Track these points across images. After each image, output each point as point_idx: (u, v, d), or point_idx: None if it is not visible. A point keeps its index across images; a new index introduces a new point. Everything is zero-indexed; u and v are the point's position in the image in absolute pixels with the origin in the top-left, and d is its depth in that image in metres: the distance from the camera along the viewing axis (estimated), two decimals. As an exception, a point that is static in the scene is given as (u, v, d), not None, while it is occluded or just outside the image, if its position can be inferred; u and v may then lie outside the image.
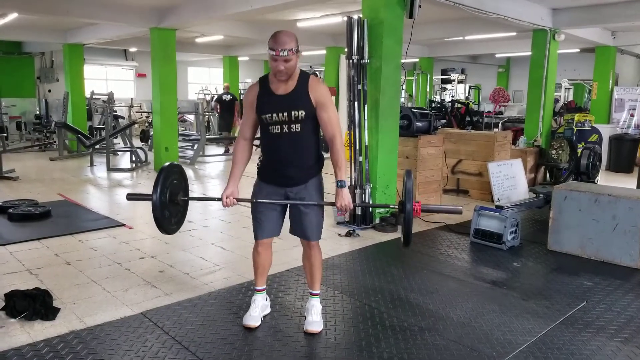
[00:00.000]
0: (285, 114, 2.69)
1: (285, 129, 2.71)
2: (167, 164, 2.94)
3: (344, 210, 2.81)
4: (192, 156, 10.32)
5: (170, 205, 2.90)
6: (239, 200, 2.85)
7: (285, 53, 2.56)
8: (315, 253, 2.95)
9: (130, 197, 3.09)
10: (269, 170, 2.84)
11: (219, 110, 12.37)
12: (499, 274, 4.10)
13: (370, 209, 5.37)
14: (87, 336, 2.83)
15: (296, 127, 2.71)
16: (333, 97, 11.51)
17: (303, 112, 2.69)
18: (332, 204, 2.81)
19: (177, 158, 9.49)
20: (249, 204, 2.93)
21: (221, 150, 12.30)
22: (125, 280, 3.74)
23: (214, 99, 13.28)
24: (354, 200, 5.35)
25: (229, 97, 12.48)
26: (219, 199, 2.84)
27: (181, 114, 14.04)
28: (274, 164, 2.81)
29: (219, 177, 8.95)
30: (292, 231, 2.93)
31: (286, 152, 2.75)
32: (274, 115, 2.70)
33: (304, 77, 2.73)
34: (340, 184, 2.76)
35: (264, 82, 2.77)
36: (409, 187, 2.65)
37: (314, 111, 2.72)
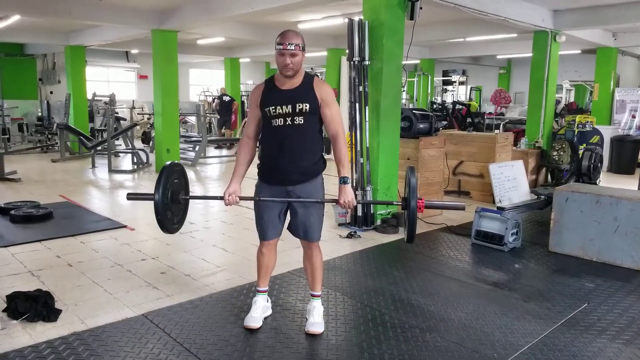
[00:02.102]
0: (290, 106, 2.71)
1: (289, 121, 2.72)
2: (168, 163, 2.95)
3: (347, 207, 2.80)
4: (193, 158, 10.34)
5: (171, 204, 2.90)
6: (241, 198, 2.83)
7: (292, 47, 2.64)
8: (315, 254, 2.95)
9: (131, 197, 3.05)
10: (270, 167, 2.82)
11: (218, 108, 13.28)
12: (500, 275, 4.10)
13: (372, 211, 5.37)
14: (88, 337, 2.84)
15: (299, 120, 2.72)
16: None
17: (307, 106, 2.71)
18: (335, 201, 2.81)
19: (179, 159, 9.50)
20: (251, 205, 2.93)
21: (221, 151, 12.34)
22: (127, 281, 3.75)
23: (215, 98, 14.20)
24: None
25: (227, 98, 13.60)
26: (221, 198, 2.84)
27: (183, 115, 14.06)
28: (276, 160, 2.78)
29: (220, 179, 8.96)
30: (293, 232, 2.93)
31: (288, 146, 2.73)
32: (278, 107, 2.72)
33: (309, 76, 2.83)
34: (343, 180, 2.77)
35: (269, 80, 2.84)
36: (413, 184, 2.64)
37: (318, 107, 2.74)
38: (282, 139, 2.74)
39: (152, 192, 2.77)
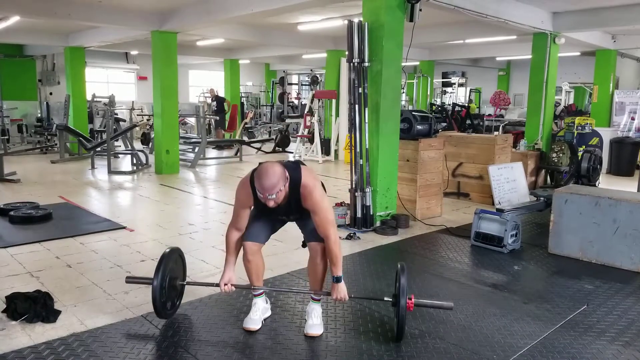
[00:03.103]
0: (284, 216, 2.93)
1: (285, 217, 2.96)
2: (167, 250, 3.03)
3: (340, 301, 2.92)
4: (192, 159, 10.34)
5: (169, 289, 2.99)
6: (236, 286, 2.96)
7: (274, 196, 2.57)
8: (323, 257, 2.89)
9: (130, 280, 3.22)
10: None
11: (215, 108, 14.15)
12: (499, 277, 4.10)
13: (371, 212, 5.37)
14: (87, 338, 2.83)
15: (296, 216, 2.92)
16: (334, 101, 11.57)
17: (299, 215, 2.87)
18: (328, 294, 2.90)
19: (178, 160, 9.50)
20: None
21: (220, 152, 12.34)
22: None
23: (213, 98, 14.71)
24: (354, 206, 5.37)
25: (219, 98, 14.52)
26: (217, 285, 2.94)
27: (182, 116, 14.07)
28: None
29: (219, 180, 8.96)
30: (305, 239, 2.96)
31: (288, 220, 3.00)
32: (272, 215, 2.88)
33: (295, 189, 2.68)
34: (336, 280, 2.82)
35: (255, 190, 2.65)
36: (403, 283, 2.74)
37: (309, 212, 2.80)
38: (281, 219, 3.01)
39: (152, 276, 2.89)
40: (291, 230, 3.24)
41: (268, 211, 2.79)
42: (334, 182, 8.25)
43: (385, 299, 2.95)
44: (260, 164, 2.69)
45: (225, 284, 2.89)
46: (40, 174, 8.94)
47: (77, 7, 7.96)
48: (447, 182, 6.88)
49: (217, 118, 13.59)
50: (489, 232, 4.76)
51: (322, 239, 2.85)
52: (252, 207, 2.85)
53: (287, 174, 2.63)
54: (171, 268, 3.01)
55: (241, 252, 2.96)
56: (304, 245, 3.03)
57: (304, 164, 2.86)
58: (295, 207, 2.78)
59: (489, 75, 17.63)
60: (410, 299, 2.76)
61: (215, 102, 14.36)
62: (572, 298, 3.59)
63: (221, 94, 15.46)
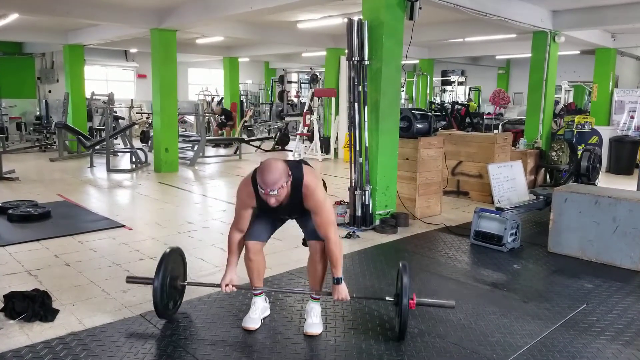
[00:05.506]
0: (286, 216, 2.94)
1: (287, 216, 2.96)
2: (168, 249, 3.02)
3: (340, 302, 2.93)
4: (192, 157, 10.32)
5: (170, 290, 2.99)
6: (238, 287, 2.95)
7: (276, 192, 2.53)
8: (323, 256, 2.89)
9: (130, 280, 3.21)
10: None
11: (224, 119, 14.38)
12: (499, 276, 4.09)
13: (371, 211, 5.36)
14: (86, 338, 2.82)
15: (297, 215, 2.91)
16: (333, 99, 11.56)
17: (300, 214, 2.86)
18: (329, 294, 2.89)
19: (177, 159, 9.49)
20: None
21: (220, 150, 12.35)
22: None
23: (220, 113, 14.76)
24: (353, 204, 5.36)
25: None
26: (218, 285, 2.93)
27: (181, 115, 14.07)
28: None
29: (219, 178, 8.95)
30: (306, 237, 2.96)
31: (290, 219, 3.00)
32: (273, 214, 2.88)
33: (297, 188, 2.67)
34: (337, 281, 2.82)
35: (257, 190, 2.64)
36: (405, 282, 2.74)
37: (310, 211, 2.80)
38: (283, 218, 3.01)
39: (152, 276, 2.88)
40: (291, 229, 3.23)
41: (270, 211, 2.78)
42: (334, 181, 8.24)
43: (387, 298, 2.95)
44: (261, 162, 2.69)
45: (227, 285, 2.88)
46: (39, 172, 8.92)
47: (76, 5, 7.93)
48: (446, 180, 6.87)
49: (231, 123, 13.96)
50: (489, 231, 4.76)
51: (321, 238, 2.85)
52: (255, 208, 2.83)
53: (290, 172, 2.61)
54: (172, 268, 3.00)
55: (243, 250, 2.95)
56: (304, 243, 3.03)
57: (307, 163, 2.85)
58: (297, 207, 2.76)
59: (489, 73, 17.62)
60: (412, 298, 2.75)
61: (223, 116, 14.41)
62: (571, 297, 3.59)
63: (220, 92, 15.44)
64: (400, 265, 2.87)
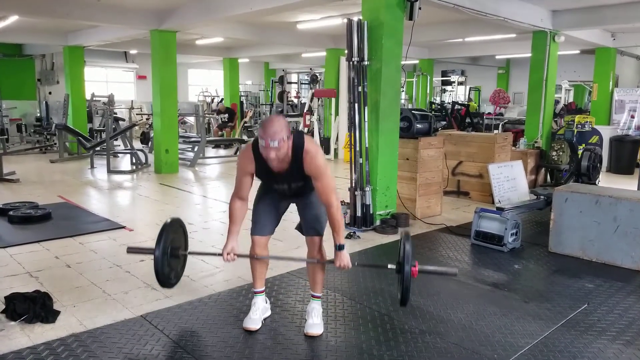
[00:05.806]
0: (285, 185, 2.84)
1: (287, 187, 2.85)
2: (169, 220, 3.02)
3: (343, 269, 2.88)
4: (192, 158, 10.32)
5: (171, 260, 2.99)
6: (239, 256, 2.92)
7: (276, 144, 2.52)
8: (322, 253, 2.94)
9: (131, 250, 3.20)
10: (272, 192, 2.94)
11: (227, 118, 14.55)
12: (499, 276, 4.09)
13: (371, 212, 5.36)
14: (87, 339, 2.83)
15: (297, 185, 2.84)
16: (333, 99, 11.56)
17: (302, 182, 2.81)
18: (331, 262, 2.87)
19: (178, 160, 9.49)
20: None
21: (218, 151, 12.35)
22: (126, 282, 3.74)
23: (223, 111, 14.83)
24: (353, 205, 5.36)
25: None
26: (220, 254, 2.91)
27: (181, 116, 14.07)
28: (277, 195, 2.95)
29: (219, 179, 8.95)
30: (304, 231, 2.97)
31: (289, 193, 2.90)
32: (274, 183, 2.85)
33: (297, 152, 2.68)
34: (339, 247, 2.81)
35: (257, 154, 2.68)
36: (407, 250, 2.74)
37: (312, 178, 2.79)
38: (282, 191, 2.89)
39: (153, 246, 2.89)
40: (291, 229, 3.24)
41: (270, 180, 2.79)
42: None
43: (389, 266, 2.93)
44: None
45: (228, 253, 2.86)
46: (40, 173, 8.92)
47: (76, 6, 7.93)
48: (447, 180, 6.87)
49: (231, 124, 14.05)
50: (489, 231, 4.75)
51: (320, 233, 2.90)
52: (254, 174, 2.82)
53: (291, 134, 2.64)
54: (173, 238, 2.99)
55: (248, 244, 2.95)
56: (299, 229, 3.02)
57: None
58: (298, 175, 2.74)
59: (489, 73, 17.61)
60: (415, 265, 2.74)
61: (227, 115, 14.47)
62: (572, 297, 3.59)
63: (220, 93, 15.44)
64: (403, 234, 2.87)
